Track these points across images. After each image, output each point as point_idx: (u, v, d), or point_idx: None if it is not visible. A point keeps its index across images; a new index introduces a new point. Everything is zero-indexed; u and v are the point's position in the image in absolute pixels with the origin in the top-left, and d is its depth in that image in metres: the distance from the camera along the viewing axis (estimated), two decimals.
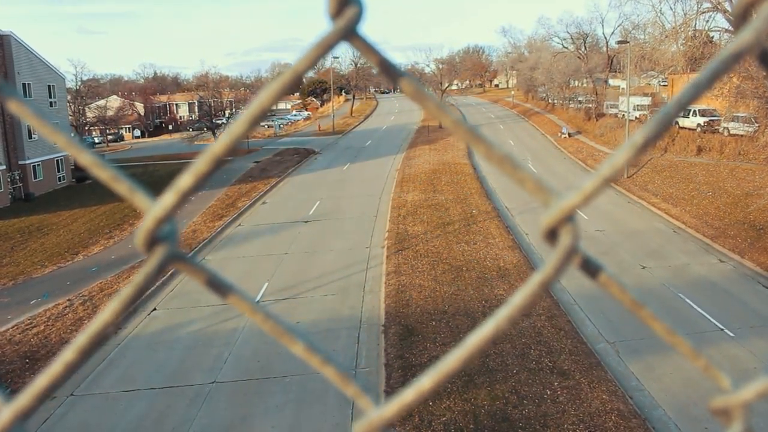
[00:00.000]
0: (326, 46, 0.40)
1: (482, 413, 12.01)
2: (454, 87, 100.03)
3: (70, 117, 52.40)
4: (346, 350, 15.13)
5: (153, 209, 0.41)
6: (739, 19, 0.43)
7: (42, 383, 0.42)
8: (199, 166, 0.40)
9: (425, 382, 0.45)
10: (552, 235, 0.45)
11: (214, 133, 54.79)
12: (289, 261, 22.18)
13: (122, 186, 0.45)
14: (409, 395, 0.45)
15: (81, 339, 0.41)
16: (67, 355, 0.42)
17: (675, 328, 0.51)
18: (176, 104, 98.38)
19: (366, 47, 0.42)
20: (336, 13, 0.40)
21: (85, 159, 0.45)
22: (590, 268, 0.48)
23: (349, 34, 0.40)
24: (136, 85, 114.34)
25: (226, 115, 68.31)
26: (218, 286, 0.47)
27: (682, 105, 0.41)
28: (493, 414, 12.00)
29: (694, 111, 37.32)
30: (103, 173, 0.45)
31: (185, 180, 0.41)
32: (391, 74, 0.45)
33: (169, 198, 0.41)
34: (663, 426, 11.69)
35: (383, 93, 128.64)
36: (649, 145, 0.41)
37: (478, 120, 72.09)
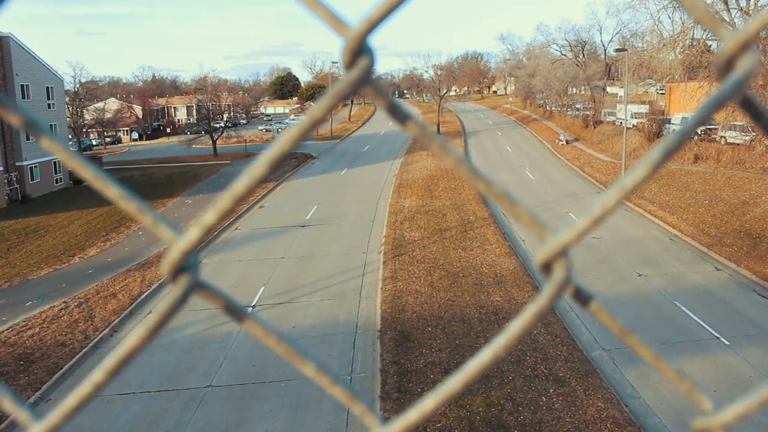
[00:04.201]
0: (342, 95, 0.44)
1: (477, 420, 12.03)
2: (452, 93, 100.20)
3: (68, 119, 52.35)
4: (342, 355, 15.15)
5: (178, 242, 0.44)
6: (723, 70, 0.46)
7: (72, 403, 0.45)
8: (221, 203, 0.44)
9: (428, 403, 0.48)
10: (546, 268, 0.48)
11: (212, 137, 54.79)
12: (286, 265, 22.20)
13: (147, 217, 0.48)
14: (412, 415, 0.48)
15: (109, 362, 0.44)
16: (96, 376, 0.45)
17: (660, 354, 0.54)
18: (174, 107, 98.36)
19: (377, 93, 0.46)
20: (350, 64, 0.44)
21: (113, 193, 0.48)
22: (582, 298, 0.51)
23: (363, 83, 0.44)
24: (134, 87, 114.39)
25: (224, 118, 68.28)
26: (235, 311, 0.50)
27: (668, 152, 0.44)
28: (488, 420, 12.02)
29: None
30: (129, 205, 0.48)
31: (209, 216, 0.44)
32: (398, 116, 0.48)
33: (193, 232, 0.44)
34: None
35: None
36: (638, 187, 0.45)
37: (475, 126, 72.29)
